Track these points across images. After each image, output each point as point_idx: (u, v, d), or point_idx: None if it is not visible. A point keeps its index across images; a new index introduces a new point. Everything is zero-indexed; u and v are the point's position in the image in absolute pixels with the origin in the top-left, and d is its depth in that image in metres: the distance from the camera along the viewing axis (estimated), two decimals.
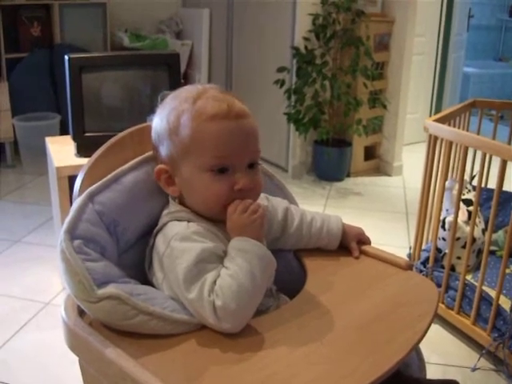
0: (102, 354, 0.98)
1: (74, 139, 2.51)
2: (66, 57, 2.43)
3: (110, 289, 1.03)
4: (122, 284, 1.06)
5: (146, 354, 0.99)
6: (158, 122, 1.19)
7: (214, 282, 1.04)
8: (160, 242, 1.14)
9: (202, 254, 1.07)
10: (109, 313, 1.03)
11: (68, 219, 1.09)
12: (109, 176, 1.19)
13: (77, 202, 1.13)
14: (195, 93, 1.16)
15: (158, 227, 1.18)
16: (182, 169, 1.16)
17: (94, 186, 1.16)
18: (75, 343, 1.06)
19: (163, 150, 1.18)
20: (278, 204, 1.38)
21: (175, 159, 1.16)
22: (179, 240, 1.10)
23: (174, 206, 1.20)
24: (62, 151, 2.56)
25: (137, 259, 1.21)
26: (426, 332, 1.08)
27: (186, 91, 1.19)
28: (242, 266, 1.05)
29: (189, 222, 1.15)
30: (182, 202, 1.21)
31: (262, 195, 1.35)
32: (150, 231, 1.20)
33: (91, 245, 1.08)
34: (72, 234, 1.07)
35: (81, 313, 1.08)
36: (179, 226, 1.14)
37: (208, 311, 1.02)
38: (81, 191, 1.18)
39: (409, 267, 1.30)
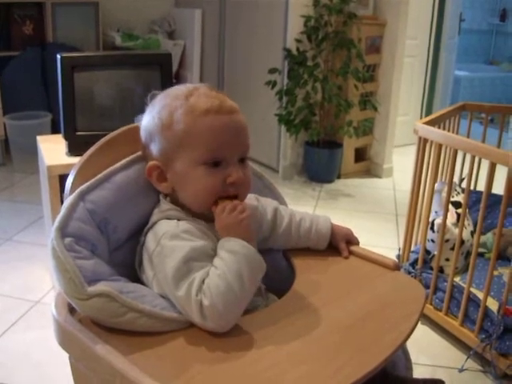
0: (92, 350, 0.99)
1: (66, 138, 2.50)
2: (58, 56, 2.43)
3: (100, 286, 1.04)
4: (112, 282, 1.07)
5: (136, 350, 1.00)
6: (149, 120, 1.21)
7: (203, 282, 1.05)
8: (150, 240, 1.15)
9: (191, 253, 1.08)
10: (99, 310, 1.04)
11: (59, 217, 1.10)
12: (100, 175, 1.20)
13: (68, 201, 1.14)
14: (186, 90, 1.19)
15: (148, 225, 1.19)
16: (175, 163, 1.17)
17: (85, 184, 1.17)
18: (65, 340, 1.07)
19: (155, 147, 1.20)
20: (268, 204, 1.39)
21: (168, 154, 1.18)
22: (169, 238, 1.11)
23: (164, 205, 1.22)
24: (53, 150, 2.55)
25: (127, 258, 1.22)
26: (411, 331, 1.09)
27: (176, 89, 1.22)
28: (230, 267, 1.06)
29: (179, 220, 1.16)
30: (173, 201, 1.22)
31: (252, 196, 1.36)
32: (140, 230, 1.21)
33: (82, 243, 1.09)
34: (63, 231, 1.08)
35: (71, 310, 1.09)
36: (169, 225, 1.15)
37: (195, 310, 1.03)
38: (72, 190, 1.19)
39: (396, 267, 1.32)
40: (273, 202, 1.42)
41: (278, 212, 1.39)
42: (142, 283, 1.16)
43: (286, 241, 1.38)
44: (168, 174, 1.19)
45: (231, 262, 1.06)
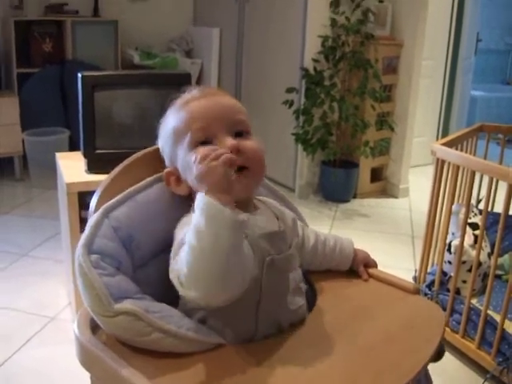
0: (115, 371, 0.99)
1: (85, 156, 2.52)
2: (79, 75, 2.45)
3: (127, 304, 1.05)
4: (138, 300, 1.08)
5: (160, 374, 1.00)
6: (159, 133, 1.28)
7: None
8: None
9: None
10: (124, 329, 1.05)
11: (85, 234, 1.12)
12: (123, 193, 1.22)
13: (93, 218, 1.15)
14: (185, 99, 1.23)
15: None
16: (178, 161, 1.20)
17: (110, 202, 1.19)
18: (87, 359, 1.07)
19: (165, 156, 1.26)
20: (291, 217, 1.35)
21: (172, 156, 1.23)
22: (179, 228, 1.14)
23: None
24: (72, 167, 2.57)
25: (151, 276, 1.22)
26: (432, 356, 1.09)
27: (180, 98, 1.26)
28: (193, 229, 0.99)
29: None
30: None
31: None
32: (165, 248, 1.18)
33: (107, 259, 1.10)
34: (89, 248, 1.10)
35: (93, 329, 1.10)
36: (187, 217, 1.16)
37: (175, 282, 1.04)
38: (96, 209, 1.20)
39: (416, 291, 1.32)
40: (290, 212, 1.37)
41: (304, 229, 1.39)
42: (166, 303, 1.16)
43: (312, 258, 1.37)
44: (181, 176, 1.21)
45: (196, 221, 0.98)
